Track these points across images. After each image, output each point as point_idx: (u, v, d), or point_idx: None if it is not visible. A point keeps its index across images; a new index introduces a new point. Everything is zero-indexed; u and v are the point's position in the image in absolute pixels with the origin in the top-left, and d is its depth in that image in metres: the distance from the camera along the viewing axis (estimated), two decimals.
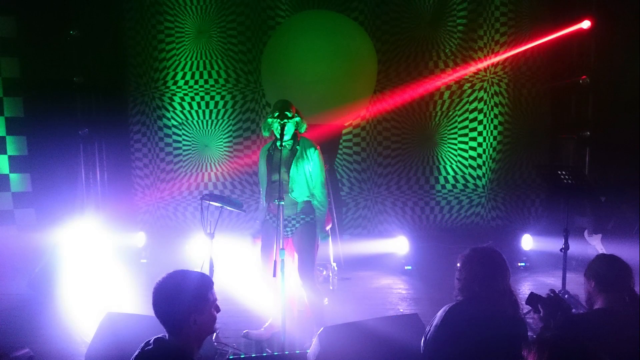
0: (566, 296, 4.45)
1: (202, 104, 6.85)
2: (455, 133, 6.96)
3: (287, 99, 3.80)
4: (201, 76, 6.81)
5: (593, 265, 2.64)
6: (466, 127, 6.95)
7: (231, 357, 3.54)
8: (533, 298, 2.54)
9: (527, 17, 6.82)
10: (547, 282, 5.39)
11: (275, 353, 3.48)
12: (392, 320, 3.40)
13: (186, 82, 6.82)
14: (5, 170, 6.49)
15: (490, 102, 6.91)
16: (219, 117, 6.87)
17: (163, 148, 6.93)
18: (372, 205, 7.02)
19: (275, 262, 3.25)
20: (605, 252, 3.71)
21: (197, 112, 6.87)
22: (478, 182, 7.04)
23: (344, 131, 6.71)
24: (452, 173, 7.04)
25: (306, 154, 3.69)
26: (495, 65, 6.84)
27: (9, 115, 6.43)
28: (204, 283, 2.12)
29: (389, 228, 6.87)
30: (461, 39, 6.76)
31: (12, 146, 6.49)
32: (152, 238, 6.24)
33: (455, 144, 6.99)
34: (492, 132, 6.95)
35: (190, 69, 6.80)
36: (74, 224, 5.65)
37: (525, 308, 2.66)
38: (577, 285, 4.39)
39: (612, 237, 5.57)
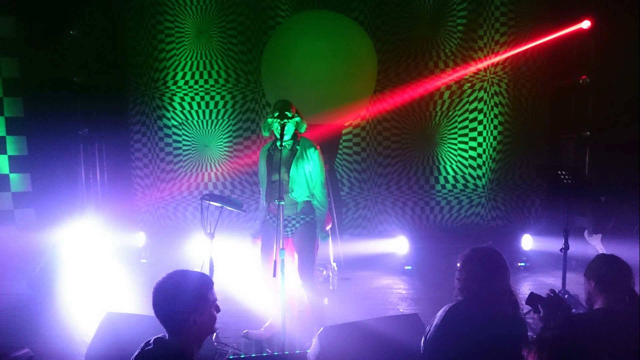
0: (566, 296, 4.45)
1: (202, 104, 6.85)
2: (455, 133, 6.96)
3: (287, 99, 3.80)
4: (201, 76, 6.81)
5: (593, 265, 2.64)
6: (466, 127, 6.95)
7: (231, 357, 3.54)
8: (533, 298, 2.54)
9: (527, 17, 6.82)
10: (547, 282, 5.39)
11: (275, 353, 3.48)
12: (392, 320, 3.40)
13: (186, 82, 6.82)
14: (5, 170, 6.49)
15: (490, 102, 6.91)
16: (219, 117, 6.87)
17: (163, 148, 6.93)
18: (372, 205, 7.02)
19: (275, 262, 3.25)
20: (605, 252, 3.71)
21: (197, 112, 6.87)
22: (478, 182, 7.04)
23: (344, 131, 6.71)
24: (452, 173, 7.04)
25: (306, 154, 3.69)
26: (495, 65, 6.84)
27: (9, 115, 6.44)
28: (204, 283, 2.12)
29: (389, 228, 6.87)
30: (461, 39, 6.76)
31: (12, 146, 6.49)
32: (152, 238, 6.24)
33: (455, 144, 6.99)
34: (492, 132, 6.96)
35: (190, 69, 6.80)
36: (74, 224, 5.65)
37: (525, 308, 2.66)
38: (577, 285, 4.39)
39: (612, 237, 5.57)
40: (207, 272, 3.41)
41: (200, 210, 3.51)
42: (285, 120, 3.60)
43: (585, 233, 5.85)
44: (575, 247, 4.97)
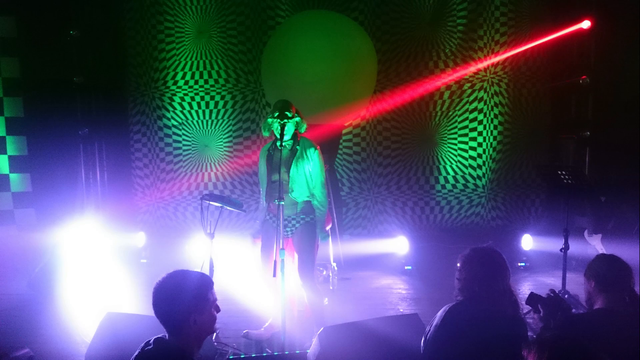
0: (566, 296, 4.45)
1: (202, 104, 6.85)
2: (455, 133, 6.97)
3: (287, 99, 3.80)
4: (201, 76, 6.81)
5: (593, 265, 2.64)
6: (466, 127, 6.95)
7: (231, 357, 3.54)
8: (533, 298, 2.54)
9: (527, 17, 6.83)
10: (547, 282, 5.39)
11: (275, 353, 3.48)
12: (392, 320, 3.40)
13: (186, 82, 6.82)
14: (5, 170, 6.49)
15: (490, 102, 6.91)
16: (219, 117, 6.87)
17: (163, 148, 6.93)
18: (372, 205, 7.02)
19: (275, 262, 3.25)
20: (605, 252, 3.71)
21: (197, 112, 6.88)
22: (478, 182, 7.04)
23: (344, 131, 6.71)
24: (452, 173, 7.04)
25: (306, 154, 3.69)
26: (495, 65, 6.84)
27: (9, 115, 6.44)
28: (204, 283, 2.12)
29: (389, 228, 6.87)
30: (461, 39, 6.77)
31: (12, 146, 6.49)
32: (152, 238, 6.24)
33: (455, 144, 6.99)
34: (492, 132, 6.96)
35: (190, 69, 6.80)
36: (74, 224, 5.65)
37: (525, 308, 2.66)
38: (577, 285, 4.39)
39: (612, 237, 5.57)
40: (207, 272, 3.41)
41: (200, 210, 3.52)
42: (285, 120, 3.60)
43: (585, 233, 5.85)
44: (575, 247, 4.98)
